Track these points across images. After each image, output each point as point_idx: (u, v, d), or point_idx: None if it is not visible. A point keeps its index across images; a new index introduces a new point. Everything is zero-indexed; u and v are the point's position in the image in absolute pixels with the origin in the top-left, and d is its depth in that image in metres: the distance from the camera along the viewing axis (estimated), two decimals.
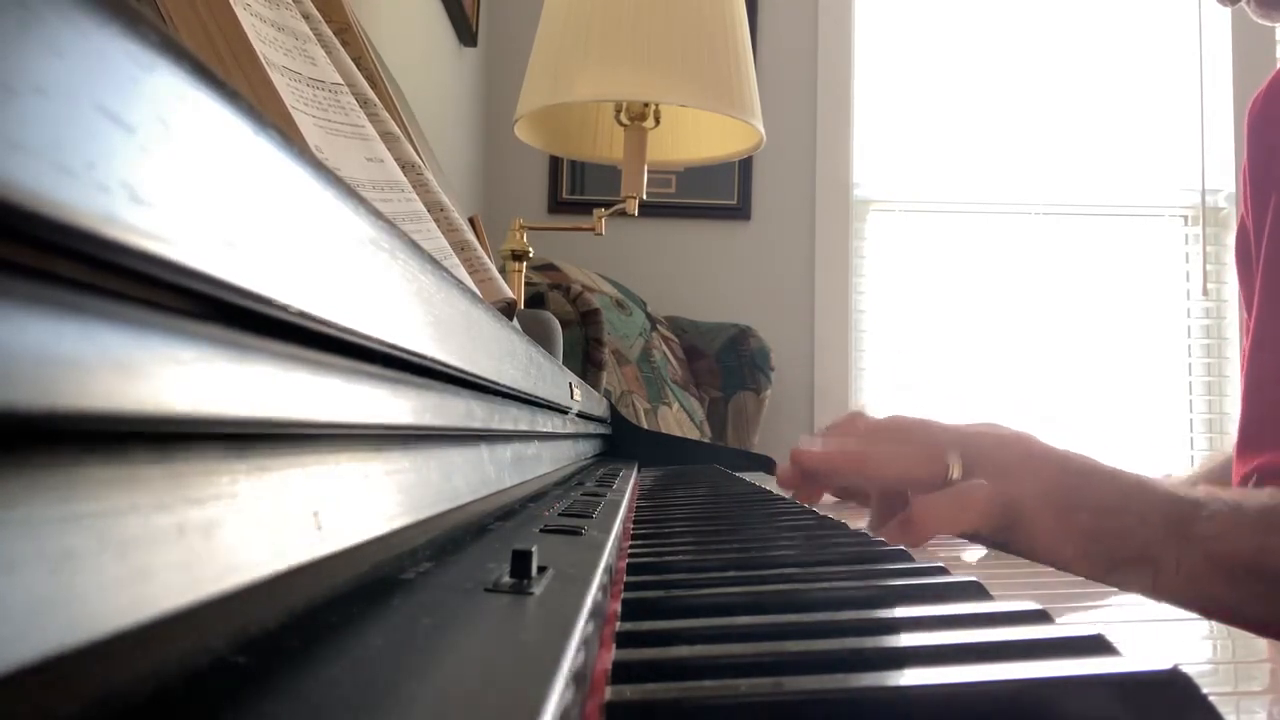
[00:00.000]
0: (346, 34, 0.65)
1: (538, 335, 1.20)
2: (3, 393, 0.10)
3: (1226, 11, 2.34)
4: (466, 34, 2.05)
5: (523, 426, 0.49)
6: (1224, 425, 2.43)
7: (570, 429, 0.77)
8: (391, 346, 0.22)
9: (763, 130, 1.39)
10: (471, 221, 1.01)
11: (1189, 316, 2.50)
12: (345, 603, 0.20)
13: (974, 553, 0.54)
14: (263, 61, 0.44)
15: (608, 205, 1.41)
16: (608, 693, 0.18)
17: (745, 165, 2.41)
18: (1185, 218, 2.52)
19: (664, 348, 2.07)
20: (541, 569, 0.27)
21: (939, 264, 2.49)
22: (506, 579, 0.25)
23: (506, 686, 0.17)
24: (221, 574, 0.14)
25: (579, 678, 0.19)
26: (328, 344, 0.19)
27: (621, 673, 0.20)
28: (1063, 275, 2.48)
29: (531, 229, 1.37)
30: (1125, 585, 0.55)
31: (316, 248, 0.18)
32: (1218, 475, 0.85)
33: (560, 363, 0.98)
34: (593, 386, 1.47)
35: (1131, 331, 2.47)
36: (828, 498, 0.84)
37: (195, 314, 0.15)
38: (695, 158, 1.56)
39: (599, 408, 1.13)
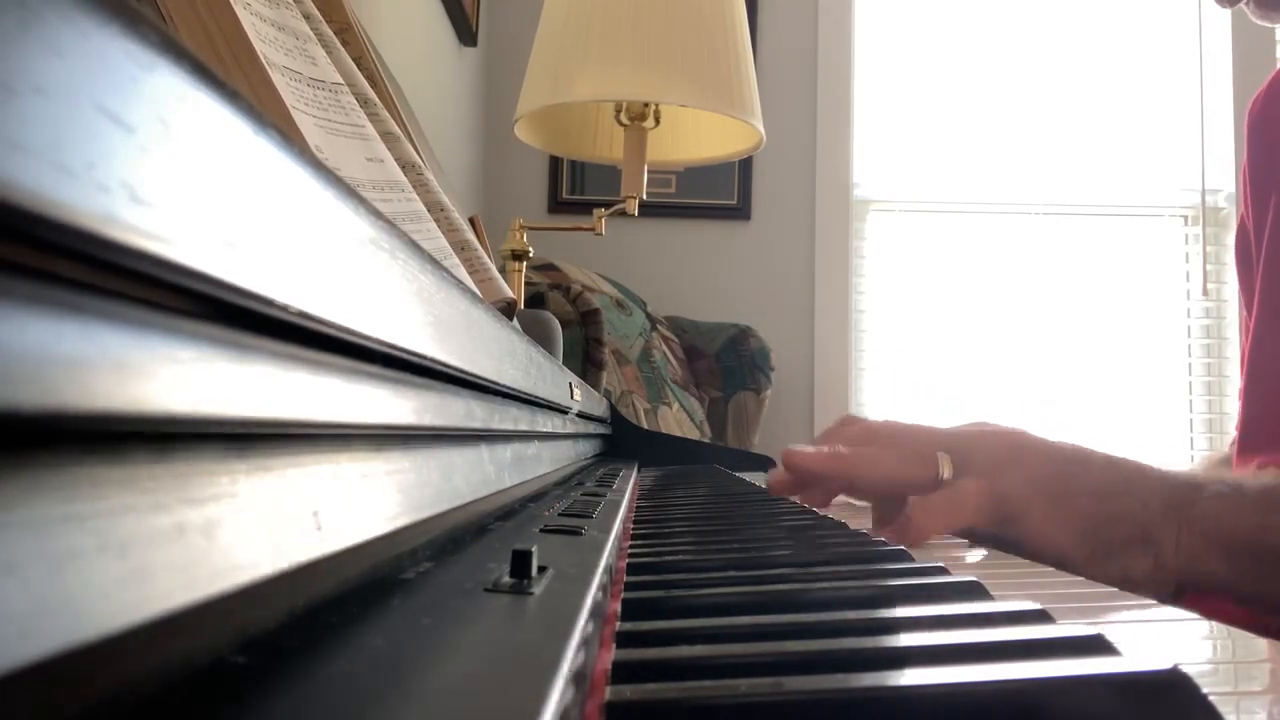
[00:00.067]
0: (347, 34, 0.65)
1: (538, 335, 1.20)
2: (3, 393, 0.10)
3: (1226, 12, 2.34)
4: (466, 34, 2.05)
5: (523, 426, 0.50)
6: (1224, 425, 2.43)
7: (570, 429, 0.77)
8: (391, 346, 0.22)
9: (763, 130, 1.39)
10: (471, 221, 1.01)
11: (1189, 316, 2.50)
12: (345, 603, 0.20)
13: (974, 553, 0.54)
14: (263, 61, 0.44)
15: (608, 205, 1.41)
16: (608, 693, 0.18)
17: (745, 165, 2.41)
18: (1185, 218, 2.52)
19: (664, 348, 2.07)
20: (541, 569, 0.27)
21: (939, 264, 2.49)
22: (506, 579, 0.25)
23: (506, 686, 0.17)
24: (221, 574, 0.14)
25: (579, 678, 0.19)
26: (328, 344, 0.19)
27: (621, 673, 0.20)
28: (1063, 275, 2.48)
29: (531, 229, 1.37)
30: (1125, 569, 0.55)
31: (316, 248, 0.18)
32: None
33: (560, 363, 0.98)
34: (593, 386, 1.47)
35: (1131, 331, 2.47)
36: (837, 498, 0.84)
37: (195, 314, 0.15)
38: (695, 158, 1.56)
39: (599, 408, 1.13)
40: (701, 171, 2.30)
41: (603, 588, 0.28)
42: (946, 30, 2.53)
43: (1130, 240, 2.51)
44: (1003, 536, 0.57)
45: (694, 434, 1.98)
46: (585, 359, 1.61)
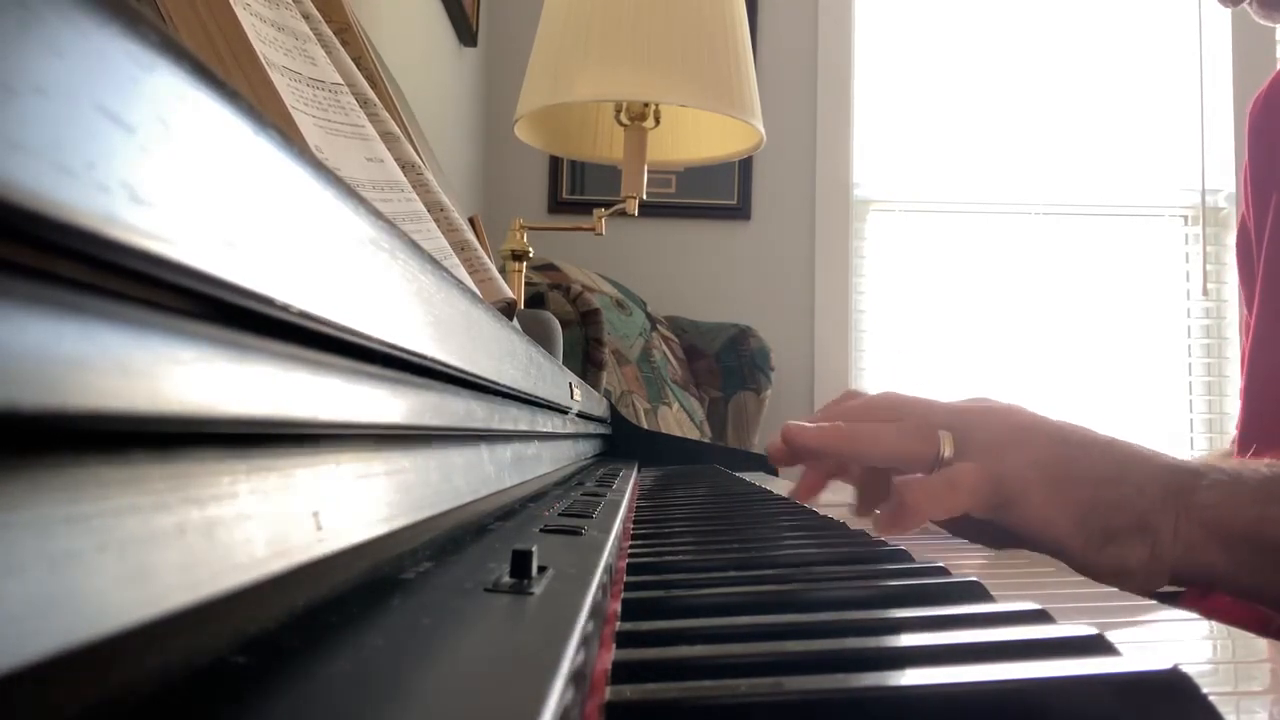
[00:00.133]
0: (346, 34, 0.65)
1: (538, 335, 1.20)
2: (4, 393, 0.10)
3: (1226, 11, 2.34)
4: (466, 34, 2.05)
5: (523, 426, 0.50)
6: (1224, 425, 2.43)
7: (570, 429, 0.77)
8: (392, 347, 0.22)
9: (763, 130, 1.39)
10: (471, 221, 1.01)
11: (1189, 316, 2.50)
12: (345, 603, 0.20)
13: (975, 553, 0.54)
14: (263, 61, 0.44)
15: (608, 205, 1.41)
16: (608, 693, 0.18)
17: (745, 165, 2.41)
18: (1185, 218, 2.52)
19: (664, 348, 2.07)
20: (541, 569, 0.27)
21: (939, 264, 2.49)
22: (506, 579, 0.25)
23: (506, 686, 0.17)
24: (222, 574, 0.14)
25: (579, 678, 0.19)
26: (328, 344, 0.19)
27: (621, 673, 0.20)
28: (1063, 275, 2.48)
29: (531, 229, 1.37)
30: (1122, 556, 0.54)
31: (317, 248, 0.18)
32: None
33: (560, 363, 0.98)
34: (593, 386, 1.47)
35: (1131, 331, 2.47)
36: (827, 497, 0.84)
37: (196, 314, 0.15)
38: (695, 158, 1.56)
39: (599, 408, 1.13)
40: (701, 171, 2.30)
41: (603, 588, 0.28)
42: (946, 30, 2.53)
43: (1130, 240, 2.51)
44: (998, 521, 0.56)
45: (694, 434, 1.98)
46: (585, 359, 1.61)
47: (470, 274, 0.61)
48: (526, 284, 1.46)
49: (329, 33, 0.57)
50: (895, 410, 0.61)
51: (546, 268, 1.90)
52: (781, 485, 0.95)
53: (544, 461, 0.59)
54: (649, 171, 1.41)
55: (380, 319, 0.21)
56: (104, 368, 0.12)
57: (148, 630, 0.12)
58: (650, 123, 1.40)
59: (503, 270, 1.31)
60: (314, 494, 0.19)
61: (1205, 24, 2.50)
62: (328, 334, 0.19)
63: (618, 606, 0.28)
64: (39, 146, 0.10)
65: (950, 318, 2.47)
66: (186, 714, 0.14)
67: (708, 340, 2.20)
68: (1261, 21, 0.85)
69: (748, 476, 1.04)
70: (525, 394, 0.47)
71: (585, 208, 1.77)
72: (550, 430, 0.63)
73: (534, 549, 0.26)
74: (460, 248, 0.61)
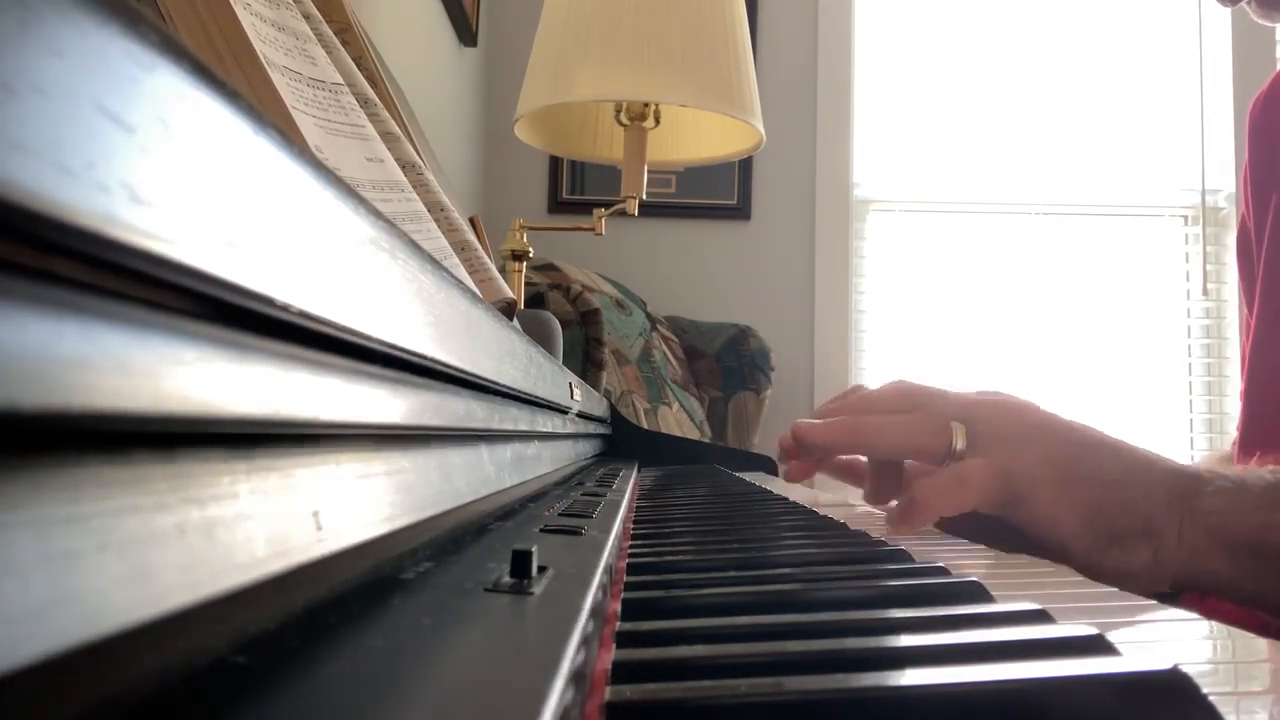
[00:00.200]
0: (347, 34, 0.65)
1: (538, 335, 1.20)
2: (4, 393, 0.10)
3: (1226, 11, 2.34)
4: (466, 34, 2.05)
5: (523, 426, 0.49)
6: (1224, 425, 2.43)
7: (570, 429, 0.77)
8: (392, 347, 0.22)
9: (763, 130, 1.39)
10: (471, 221, 1.01)
11: (1189, 316, 2.50)
12: (345, 603, 0.20)
13: (975, 554, 0.54)
14: (263, 61, 0.44)
15: (608, 205, 1.41)
16: (608, 693, 0.18)
17: (745, 165, 2.41)
18: (1185, 218, 2.52)
19: (664, 348, 2.07)
20: (541, 569, 0.27)
21: (939, 264, 2.49)
22: (507, 579, 0.25)
23: (506, 686, 0.17)
24: (222, 574, 0.14)
25: (579, 678, 0.19)
26: (328, 344, 0.19)
27: (621, 673, 0.20)
28: (1063, 275, 2.48)
29: (531, 229, 1.37)
30: (1126, 558, 0.55)
31: (317, 248, 0.18)
32: None
33: (560, 363, 0.98)
34: (593, 386, 1.47)
35: (1131, 331, 2.47)
36: (826, 497, 0.84)
37: (196, 314, 0.15)
38: (695, 158, 1.56)
39: (599, 408, 1.13)
40: (701, 171, 2.30)
41: (603, 588, 0.28)
42: (946, 30, 2.53)
43: (1130, 240, 2.51)
44: (1006, 517, 0.56)
45: (694, 434, 1.98)
46: (585, 359, 1.61)
47: (470, 274, 0.61)
48: (526, 284, 1.46)
49: (329, 33, 0.57)
50: (907, 400, 0.61)
51: (546, 268, 1.90)
52: (781, 485, 0.95)
53: (544, 461, 0.59)
54: (649, 171, 1.41)
55: (380, 319, 0.21)
56: (104, 368, 0.12)
57: (148, 630, 0.12)
58: (650, 123, 1.40)
59: (503, 270, 1.31)
60: (314, 494, 0.19)
61: (1205, 24, 2.50)
62: (328, 334, 0.19)
63: (618, 606, 0.28)
64: (39, 146, 0.10)
65: (950, 318, 2.47)
66: (186, 714, 0.14)
67: (708, 340, 2.20)
68: (1260, 21, 0.85)
69: (748, 476, 1.04)
70: (525, 394, 0.47)
71: (585, 208, 1.77)
72: (550, 430, 0.63)
73: (534, 549, 0.26)
74: (460, 248, 0.61)
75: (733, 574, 0.33)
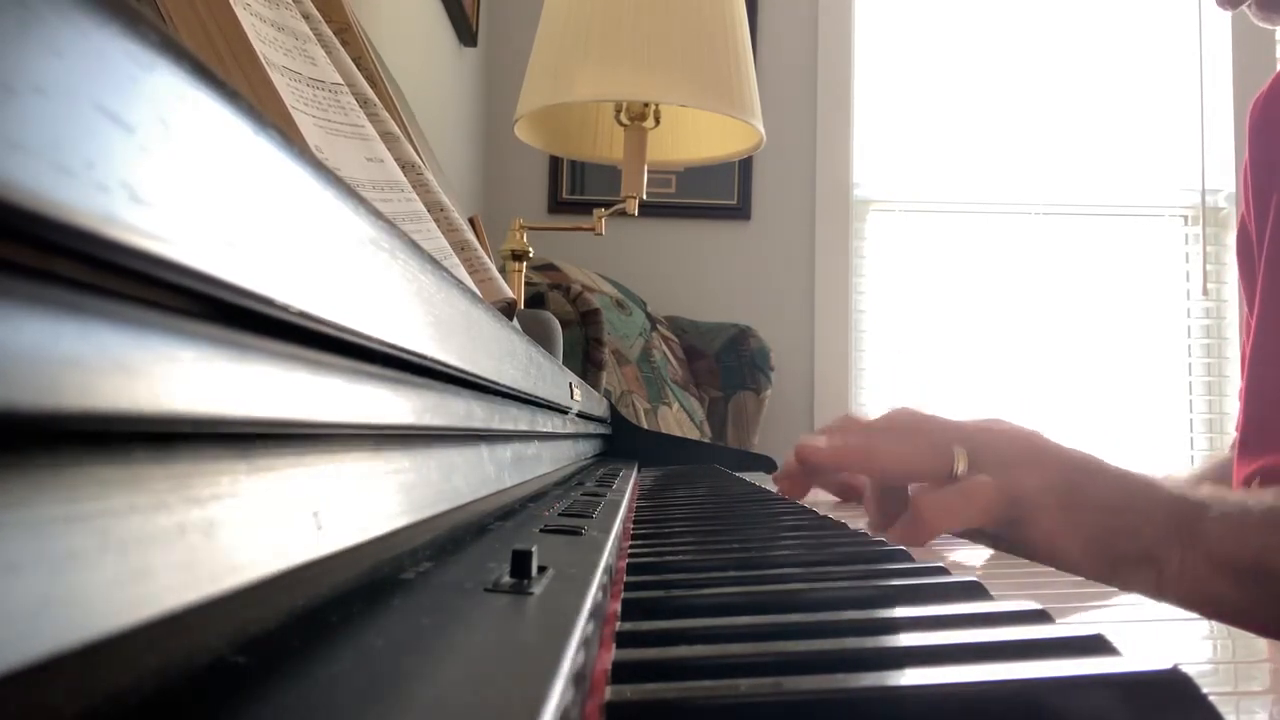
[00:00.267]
0: (346, 34, 0.65)
1: (538, 335, 1.20)
2: (3, 393, 0.10)
3: (1226, 13, 2.34)
4: (466, 34, 2.05)
5: (523, 426, 0.49)
6: (1224, 425, 2.43)
7: (570, 429, 0.77)
8: (392, 347, 0.22)
9: (763, 130, 1.39)
10: (471, 221, 1.01)
11: (1189, 316, 2.50)
12: (345, 602, 0.20)
13: (975, 553, 0.54)
14: (263, 61, 0.44)
15: (608, 205, 1.41)
16: (608, 693, 0.18)
17: (745, 165, 2.41)
18: (1185, 218, 2.52)
19: (664, 348, 2.07)
20: (541, 569, 0.26)
21: (939, 264, 2.49)
22: (506, 579, 0.25)
23: (506, 686, 0.17)
24: (222, 574, 0.14)
25: (579, 678, 0.19)
26: (328, 344, 0.19)
27: (621, 673, 0.20)
28: (1063, 275, 2.48)
29: (531, 229, 1.37)
30: (1128, 585, 0.55)
31: (317, 248, 0.18)
32: (1218, 476, 0.84)
33: (560, 363, 0.98)
34: (593, 386, 1.47)
35: (1131, 331, 2.47)
36: (826, 497, 0.84)
37: (195, 314, 0.15)
38: (695, 158, 1.56)
39: (599, 408, 1.13)
40: (701, 171, 2.30)
41: (603, 588, 0.28)
42: (946, 30, 2.53)
43: (1130, 240, 2.51)
44: (1009, 538, 0.57)
45: (694, 434, 1.98)
46: (585, 359, 1.61)
47: (470, 274, 0.61)
48: (526, 284, 1.46)
49: (329, 33, 0.57)
50: (908, 427, 0.62)
51: (546, 268, 1.90)
52: None
53: (544, 461, 0.59)
54: (649, 171, 1.41)
55: (380, 319, 0.21)
56: (103, 367, 0.12)
57: (148, 630, 0.12)
58: (650, 123, 1.40)
59: (503, 270, 1.31)
60: (314, 494, 0.19)
61: (1205, 24, 2.50)
62: (328, 334, 0.19)
63: (618, 606, 0.28)
64: (38, 146, 0.10)
65: (950, 318, 2.47)
66: (186, 714, 0.14)
67: (708, 340, 2.20)
68: (1260, 24, 0.85)
69: (748, 476, 1.04)
70: (525, 394, 0.47)
71: (585, 208, 1.77)
72: (550, 430, 0.63)
73: (534, 549, 0.26)
74: (460, 248, 0.61)
75: (733, 574, 0.33)
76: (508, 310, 0.64)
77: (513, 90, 1.47)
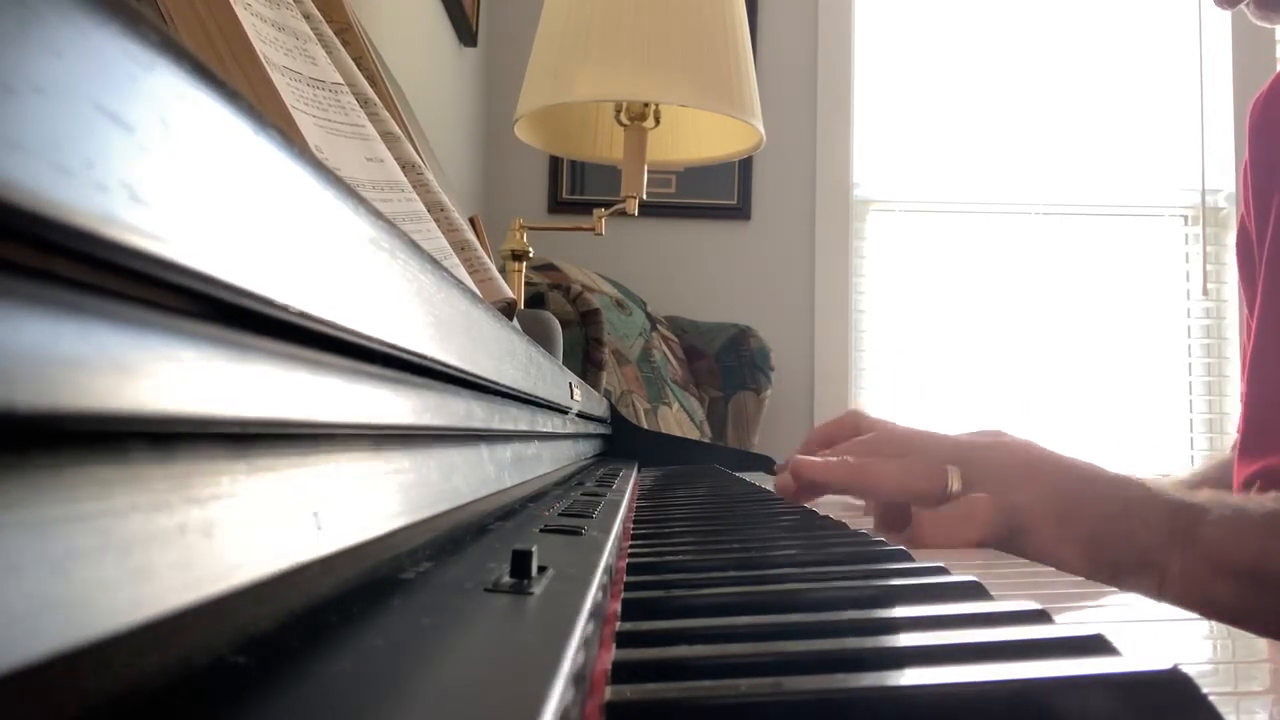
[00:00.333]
0: (347, 34, 0.65)
1: (538, 335, 1.20)
2: (3, 393, 0.10)
3: (1226, 12, 2.34)
4: (466, 34, 2.05)
5: (523, 426, 0.49)
6: (1224, 425, 2.43)
7: (570, 429, 0.77)
8: (392, 347, 0.22)
9: (763, 130, 1.39)
10: (471, 221, 1.01)
11: (1189, 316, 2.50)
12: (345, 602, 0.20)
13: (975, 554, 0.54)
14: (263, 61, 0.44)
15: (608, 205, 1.41)
16: (608, 693, 0.18)
17: (745, 165, 2.41)
18: (1185, 218, 2.52)
19: (664, 348, 2.07)
20: (541, 569, 0.26)
21: (939, 264, 2.49)
22: (506, 579, 0.25)
23: (506, 686, 0.17)
24: (222, 574, 0.14)
25: (579, 678, 0.19)
26: (328, 344, 0.19)
27: (621, 673, 0.20)
28: (1063, 275, 2.48)
29: (531, 229, 1.37)
30: (1126, 590, 0.55)
31: (316, 247, 0.18)
32: (1218, 476, 0.84)
33: (560, 363, 0.98)
34: (593, 386, 1.47)
35: (1131, 331, 2.47)
36: (827, 498, 0.84)
37: (195, 314, 0.15)
38: (695, 158, 1.56)
39: (599, 408, 1.13)
40: (701, 171, 2.30)
41: (603, 588, 0.28)
42: (946, 30, 2.53)
43: (1130, 240, 2.51)
44: (1009, 551, 0.57)
45: (694, 434, 1.98)
46: (585, 359, 1.61)
47: (470, 274, 0.61)
48: (526, 284, 1.46)
49: (329, 33, 0.57)
50: (902, 445, 0.62)
51: (546, 268, 1.90)
52: None
53: (544, 461, 0.59)
54: (649, 171, 1.41)
55: (380, 319, 0.21)
56: (103, 367, 0.12)
57: (148, 630, 0.12)
58: (650, 123, 1.40)
59: (503, 270, 1.31)
60: (314, 494, 0.19)
61: (1205, 24, 2.50)
62: (327, 334, 0.19)
63: (618, 606, 0.28)
64: (38, 146, 0.10)
65: (950, 318, 2.47)
66: (186, 714, 0.14)
67: (708, 340, 2.20)
68: (1259, 23, 0.85)
69: (748, 476, 1.04)
70: (525, 394, 0.47)
71: (585, 208, 1.77)
72: (550, 430, 0.63)
73: (534, 549, 0.26)
74: (460, 248, 0.61)
75: (733, 574, 0.33)
76: (508, 310, 0.64)
77: (513, 90, 1.46)
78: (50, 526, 0.11)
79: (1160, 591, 0.54)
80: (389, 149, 0.56)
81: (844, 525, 0.50)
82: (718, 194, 2.42)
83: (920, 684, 0.19)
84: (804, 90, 2.45)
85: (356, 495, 0.22)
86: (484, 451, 0.39)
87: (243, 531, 0.16)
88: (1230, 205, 2.45)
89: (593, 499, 0.51)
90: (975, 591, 0.30)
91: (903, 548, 0.39)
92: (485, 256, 0.65)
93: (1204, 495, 0.58)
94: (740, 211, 2.44)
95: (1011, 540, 0.57)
